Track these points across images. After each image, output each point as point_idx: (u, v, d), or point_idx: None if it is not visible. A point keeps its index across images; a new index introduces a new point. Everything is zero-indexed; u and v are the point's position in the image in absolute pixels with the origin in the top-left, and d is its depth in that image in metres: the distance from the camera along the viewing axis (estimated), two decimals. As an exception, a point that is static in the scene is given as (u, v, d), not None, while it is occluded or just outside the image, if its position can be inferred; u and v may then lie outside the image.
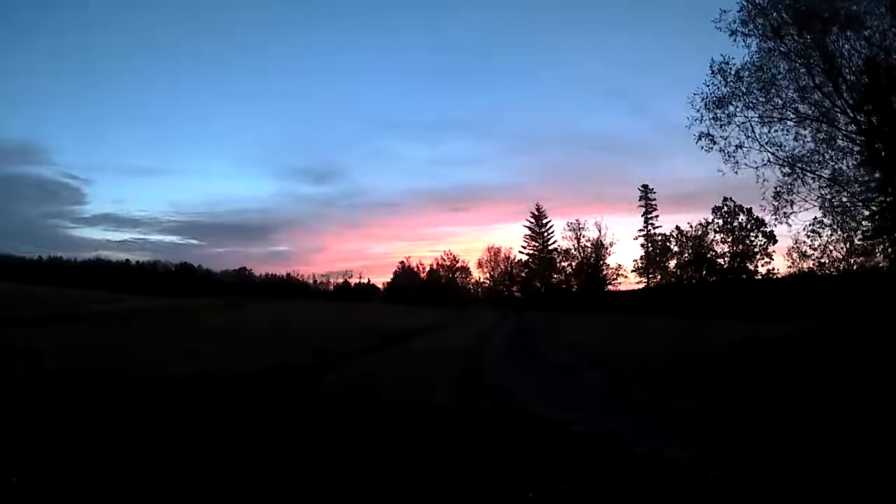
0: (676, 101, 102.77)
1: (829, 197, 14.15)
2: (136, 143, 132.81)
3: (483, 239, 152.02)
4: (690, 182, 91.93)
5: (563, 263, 68.67)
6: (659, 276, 56.87)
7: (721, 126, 14.13)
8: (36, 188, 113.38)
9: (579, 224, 66.84)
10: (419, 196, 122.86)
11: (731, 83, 13.96)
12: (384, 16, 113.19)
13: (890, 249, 14.63)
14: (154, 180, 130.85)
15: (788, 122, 13.82)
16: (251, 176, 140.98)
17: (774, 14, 13.41)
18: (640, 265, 59.67)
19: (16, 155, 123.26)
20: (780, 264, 40.92)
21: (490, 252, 78.09)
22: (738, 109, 13.99)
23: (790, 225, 14.87)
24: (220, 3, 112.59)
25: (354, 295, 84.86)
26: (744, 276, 47.38)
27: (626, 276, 63.71)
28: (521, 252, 73.04)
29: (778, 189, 14.29)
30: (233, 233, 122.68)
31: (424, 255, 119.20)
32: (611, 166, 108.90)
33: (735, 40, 13.87)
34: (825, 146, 13.70)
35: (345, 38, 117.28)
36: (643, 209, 60.20)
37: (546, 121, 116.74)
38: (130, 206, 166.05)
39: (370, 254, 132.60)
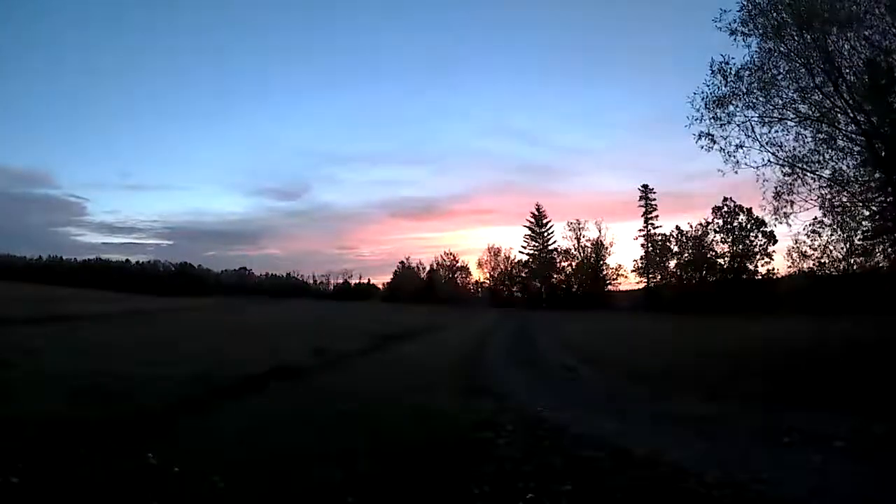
0: (572, 131, 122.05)
1: (829, 197, 14.15)
2: (126, 163, 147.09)
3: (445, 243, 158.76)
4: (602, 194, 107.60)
5: (563, 263, 68.79)
6: (659, 276, 56.92)
7: (721, 126, 14.13)
8: (41, 206, 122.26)
9: (579, 224, 67.02)
10: (378, 208, 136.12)
11: (732, 83, 13.94)
12: (320, 63, 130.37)
13: (890, 249, 14.63)
14: (144, 194, 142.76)
15: (789, 122, 13.81)
16: (228, 193, 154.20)
17: (774, 14, 13.40)
18: (639, 265, 59.79)
19: (24, 179, 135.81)
20: (780, 264, 41.07)
21: (490, 252, 78.09)
22: (738, 109, 13.97)
23: (790, 225, 14.88)
24: (212, 50, 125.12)
25: (354, 294, 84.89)
26: (744, 277, 47.39)
27: (626, 276, 63.93)
28: (521, 252, 73.06)
29: (778, 189, 14.29)
30: (220, 238, 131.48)
31: (401, 257, 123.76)
32: (526, 182, 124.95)
33: (735, 40, 13.87)
34: (825, 146, 13.69)
35: (295, 82, 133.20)
36: (643, 209, 60.33)
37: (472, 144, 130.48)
38: (124, 216, 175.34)
39: (359, 257, 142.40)
